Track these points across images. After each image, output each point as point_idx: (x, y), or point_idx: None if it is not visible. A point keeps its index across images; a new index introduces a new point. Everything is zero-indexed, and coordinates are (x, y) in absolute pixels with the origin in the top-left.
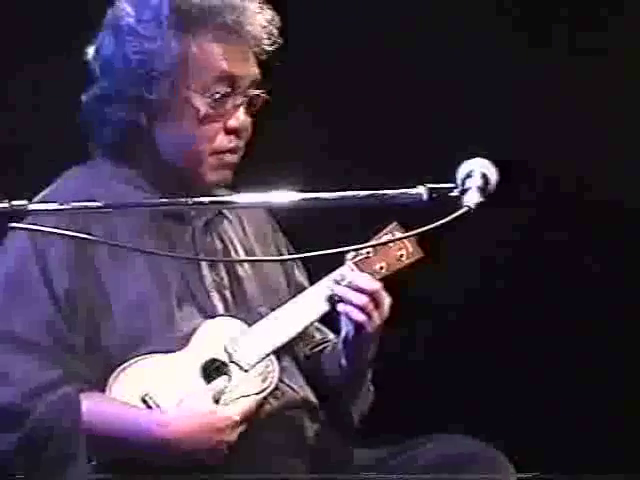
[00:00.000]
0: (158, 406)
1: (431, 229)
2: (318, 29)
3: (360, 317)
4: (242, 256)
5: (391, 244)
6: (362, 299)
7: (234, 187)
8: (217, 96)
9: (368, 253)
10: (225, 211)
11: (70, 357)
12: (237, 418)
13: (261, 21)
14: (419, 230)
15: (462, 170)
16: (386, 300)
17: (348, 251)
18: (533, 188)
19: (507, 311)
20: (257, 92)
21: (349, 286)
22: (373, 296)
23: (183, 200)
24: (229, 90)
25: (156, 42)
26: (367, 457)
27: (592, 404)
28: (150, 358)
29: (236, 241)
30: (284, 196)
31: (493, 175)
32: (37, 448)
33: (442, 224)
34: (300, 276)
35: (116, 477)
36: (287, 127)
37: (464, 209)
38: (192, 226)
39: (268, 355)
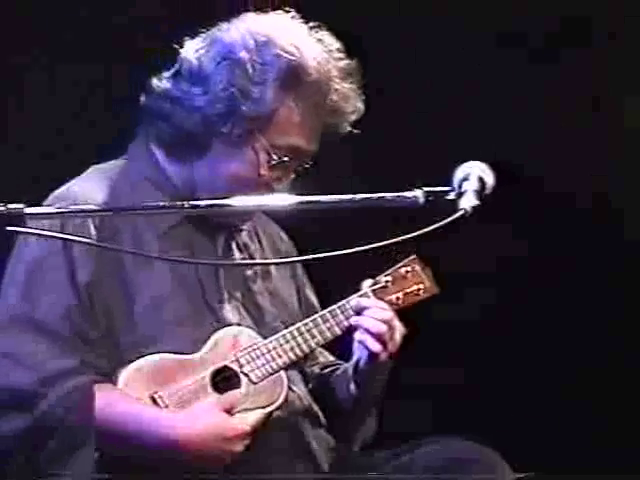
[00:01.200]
0: (167, 406)
1: (427, 232)
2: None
3: (376, 346)
4: (260, 271)
5: (410, 277)
6: (380, 328)
7: None
8: (276, 161)
9: (386, 282)
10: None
11: (86, 348)
12: (247, 429)
13: (352, 108)
14: (415, 233)
15: (459, 173)
16: (399, 330)
17: (352, 253)
18: (531, 190)
19: (507, 311)
20: (308, 163)
21: (368, 314)
22: (389, 325)
23: (179, 203)
24: (290, 159)
25: (257, 87)
26: (367, 459)
27: (592, 404)
28: (163, 357)
29: (256, 255)
30: (281, 199)
31: (490, 178)
32: (46, 435)
33: (438, 227)
34: (310, 294)
35: (116, 477)
36: None
37: (460, 212)
38: (215, 238)
39: (278, 370)
